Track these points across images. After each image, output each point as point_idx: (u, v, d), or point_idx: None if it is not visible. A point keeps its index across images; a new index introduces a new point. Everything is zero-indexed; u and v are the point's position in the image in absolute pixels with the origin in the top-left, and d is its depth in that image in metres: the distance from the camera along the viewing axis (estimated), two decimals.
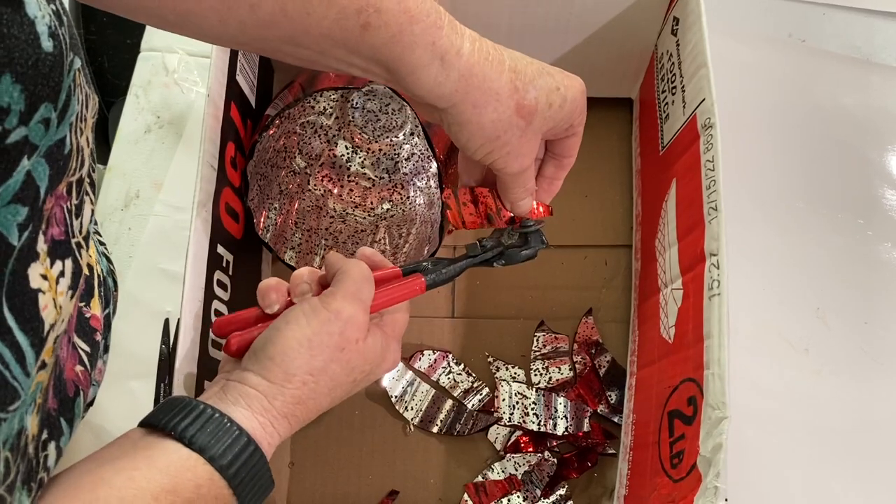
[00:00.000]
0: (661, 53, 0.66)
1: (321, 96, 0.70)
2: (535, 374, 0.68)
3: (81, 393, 0.44)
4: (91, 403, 0.51)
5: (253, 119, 0.65)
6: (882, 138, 0.75)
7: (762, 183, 0.73)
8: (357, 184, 0.73)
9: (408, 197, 0.73)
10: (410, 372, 0.68)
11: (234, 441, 0.37)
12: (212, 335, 0.51)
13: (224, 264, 0.56)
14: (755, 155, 0.74)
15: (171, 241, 0.72)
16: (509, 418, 0.66)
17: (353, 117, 0.71)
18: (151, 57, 0.80)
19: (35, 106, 0.29)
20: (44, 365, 0.34)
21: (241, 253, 0.60)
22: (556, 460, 0.65)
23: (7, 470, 0.31)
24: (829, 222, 0.71)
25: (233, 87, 0.60)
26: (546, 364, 0.68)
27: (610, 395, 0.67)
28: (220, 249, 0.55)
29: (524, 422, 0.66)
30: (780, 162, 0.74)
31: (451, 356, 0.69)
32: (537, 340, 0.69)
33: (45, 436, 0.37)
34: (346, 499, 0.65)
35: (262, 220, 0.66)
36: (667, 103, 0.63)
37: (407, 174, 0.73)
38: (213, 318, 0.52)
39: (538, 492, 0.64)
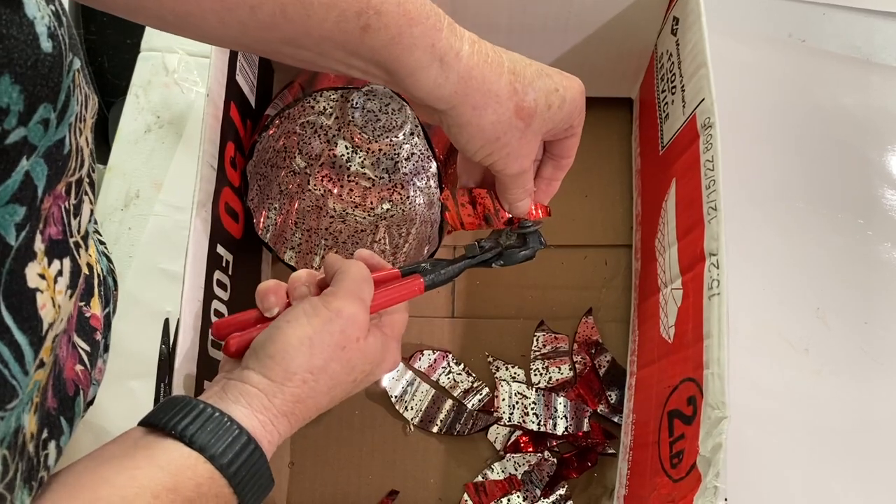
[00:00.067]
0: (660, 53, 0.66)
1: (321, 96, 0.70)
2: (535, 374, 0.68)
3: (81, 392, 0.44)
4: (91, 403, 0.51)
5: (252, 119, 0.65)
6: (882, 138, 0.75)
7: (762, 183, 0.73)
8: (357, 184, 0.73)
9: (408, 197, 0.73)
10: (410, 372, 0.68)
11: (234, 440, 0.37)
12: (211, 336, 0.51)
13: (224, 264, 0.56)
14: (755, 155, 0.74)
15: (171, 240, 0.72)
16: (509, 418, 0.66)
17: (352, 117, 0.71)
18: (151, 57, 0.80)
19: (34, 106, 0.29)
20: (42, 364, 0.34)
21: (241, 253, 0.60)
22: (555, 460, 0.65)
23: (5, 468, 0.31)
24: (829, 222, 0.71)
25: (232, 87, 0.60)
26: (546, 364, 0.68)
27: (610, 395, 0.67)
28: (220, 249, 0.55)
29: (524, 422, 0.66)
30: (779, 162, 0.74)
31: (450, 356, 0.69)
32: (537, 340, 0.70)
33: (45, 435, 0.37)
34: (346, 499, 0.65)
35: (262, 220, 0.66)
36: (666, 103, 0.63)
37: (407, 174, 0.73)
38: (213, 318, 0.52)
39: (538, 492, 0.64)
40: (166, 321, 0.65)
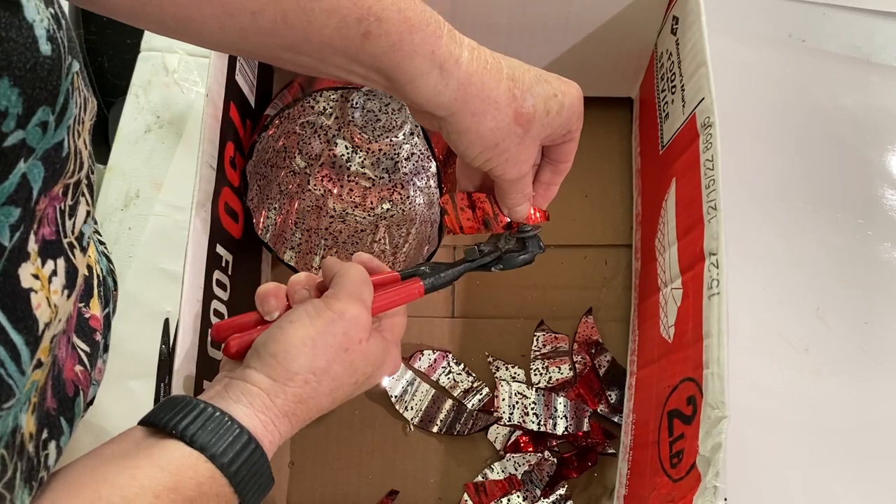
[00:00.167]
0: (660, 53, 0.66)
1: (321, 96, 0.70)
2: (535, 374, 0.68)
3: (81, 392, 0.44)
4: (91, 403, 0.51)
5: (252, 119, 0.65)
6: (882, 138, 0.75)
7: (762, 182, 0.73)
8: (357, 184, 0.73)
9: (407, 197, 0.73)
10: (410, 372, 0.68)
11: (234, 439, 0.37)
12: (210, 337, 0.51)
13: (223, 264, 0.56)
14: (755, 154, 0.74)
15: (171, 240, 0.72)
16: (509, 418, 0.66)
17: (352, 117, 0.71)
18: (151, 57, 0.80)
19: (33, 109, 0.29)
20: (40, 364, 0.34)
21: (241, 253, 0.60)
22: (555, 460, 0.65)
23: (4, 467, 0.31)
24: (829, 222, 0.71)
25: (232, 87, 0.60)
26: (546, 364, 0.68)
27: (610, 395, 0.67)
28: (220, 249, 0.55)
29: (524, 421, 0.66)
30: (779, 162, 0.74)
31: (450, 356, 0.69)
32: (537, 340, 0.70)
33: (45, 435, 0.37)
34: (345, 498, 0.65)
35: (262, 220, 0.66)
36: (666, 102, 0.63)
37: (407, 174, 0.73)
38: (213, 318, 0.52)
39: (538, 491, 0.64)
40: (166, 321, 0.65)
